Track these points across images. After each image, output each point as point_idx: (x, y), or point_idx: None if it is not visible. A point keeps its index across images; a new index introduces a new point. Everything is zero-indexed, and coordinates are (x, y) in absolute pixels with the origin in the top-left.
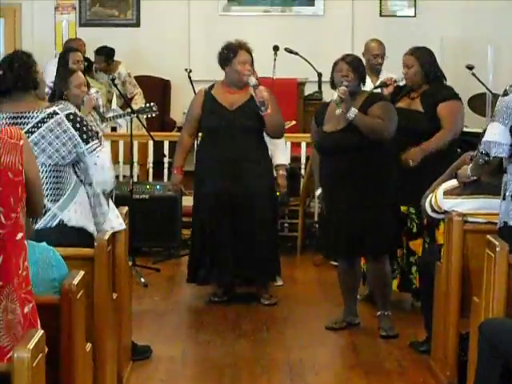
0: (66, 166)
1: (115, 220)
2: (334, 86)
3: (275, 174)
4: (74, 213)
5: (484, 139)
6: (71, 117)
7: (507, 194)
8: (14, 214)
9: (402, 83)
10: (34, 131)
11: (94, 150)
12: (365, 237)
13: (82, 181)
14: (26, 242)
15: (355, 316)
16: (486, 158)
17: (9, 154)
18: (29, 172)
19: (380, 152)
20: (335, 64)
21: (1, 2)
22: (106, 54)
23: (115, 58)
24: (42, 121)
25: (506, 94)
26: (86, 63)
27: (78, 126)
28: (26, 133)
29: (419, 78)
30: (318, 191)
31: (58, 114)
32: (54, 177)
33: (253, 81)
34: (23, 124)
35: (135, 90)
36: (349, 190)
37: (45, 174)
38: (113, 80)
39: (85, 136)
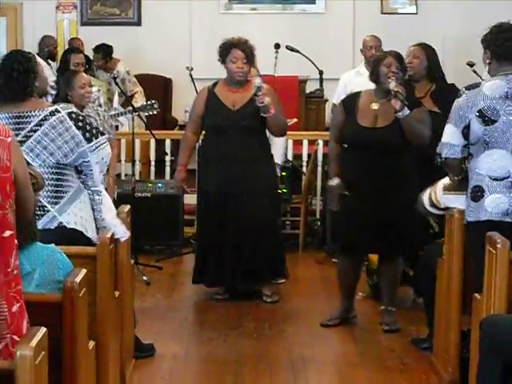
0: (67, 168)
1: (119, 227)
2: (376, 79)
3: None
4: (74, 216)
5: (441, 141)
6: (73, 115)
7: (468, 191)
8: (1, 210)
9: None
10: (37, 129)
11: (97, 148)
12: (390, 237)
13: (86, 186)
14: (15, 241)
15: (351, 311)
16: (439, 159)
17: None
18: (17, 170)
19: (408, 155)
20: (383, 58)
21: (2, 1)
22: (104, 51)
23: (114, 56)
24: (44, 119)
25: (459, 95)
26: (86, 63)
27: (80, 124)
28: (28, 131)
29: (423, 70)
30: (335, 181)
31: (59, 111)
32: (55, 179)
33: (258, 82)
34: (25, 123)
35: (135, 88)
36: (378, 190)
37: (46, 174)
38: (114, 78)
39: (88, 134)
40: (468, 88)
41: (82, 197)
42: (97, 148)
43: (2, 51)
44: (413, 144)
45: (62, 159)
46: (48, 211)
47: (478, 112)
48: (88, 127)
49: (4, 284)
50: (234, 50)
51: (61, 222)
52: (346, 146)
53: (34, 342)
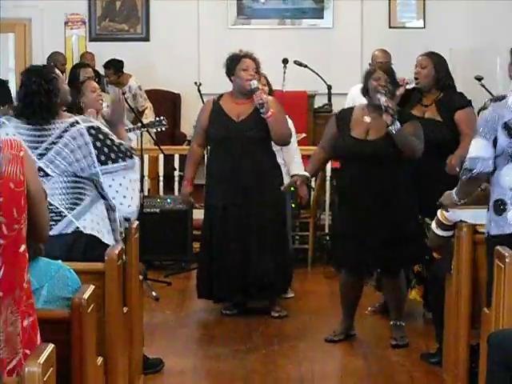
0: (85, 179)
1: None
2: (366, 93)
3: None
4: (91, 221)
5: (469, 155)
6: (92, 131)
7: (490, 204)
8: (17, 225)
9: (410, 86)
10: (58, 142)
11: (111, 172)
12: (387, 252)
13: (103, 196)
14: (27, 255)
15: (352, 328)
16: (470, 174)
17: (10, 164)
18: (30, 184)
19: (404, 166)
20: (372, 72)
21: (11, 16)
22: (115, 66)
23: (125, 71)
24: (65, 130)
25: (485, 107)
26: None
27: (98, 144)
28: (49, 144)
29: (431, 80)
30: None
31: (79, 123)
32: (72, 187)
33: (254, 84)
34: (47, 136)
35: (146, 104)
36: (373, 202)
37: (64, 184)
38: (123, 94)
39: (103, 157)
40: (494, 100)
41: (99, 205)
42: (113, 172)
43: (11, 67)
44: (404, 156)
45: (79, 172)
46: (65, 216)
47: (503, 124)
48: (106, 149)
49: (19, 299)
50: (245, 59)
51: (77, 227)
52: (340, 162)
53: (42, 359)
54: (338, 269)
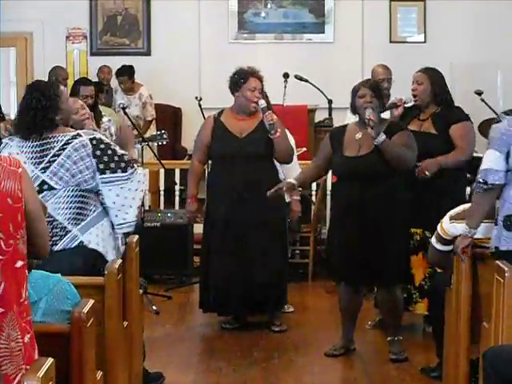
0: (90, 192)
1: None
2: (354, 111)
3: (288, 199)
4: (96, 236)
5: (481, 168)
6: (94, 142)
7: (499, 219)
8: (13, 240)
9: (409, 104)
10: (60, 154)
11: (109, 182)
12: (380, 266)
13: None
14: (26, 272)
15: (352, 342)
16: (485, 187)
17: (8, 179)
18: (28, 201)
19: (395, 180)
20: (357, 89)
21: (12, 30)
22: (128, 72)
23: (136, 81)
24: (67, 142)
25: (499, 120)
26: (98, 91)
27: (98, 153)
28: (52, 156)
29: (428, 96)
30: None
31: (81, 136)
32: (77, 201)
33: (262, 103)
34: (49, 149)
35: (154, 114)
36: (365, 218)
37: (69, 198)
38: (123, 108)
39: (102, 166)
40: (508, 114)
41: (105, 221)
42: (110, 182)
43: (12, 81)
44: (397, 169)
45: (82, 184)
46: (69, 231)
47: None
48: (106, 158)
49: (19, 315)
50: (253, 79)
51: (82, 242)
52: (336, 179)
53: (41, 373)
54: (335, 281)
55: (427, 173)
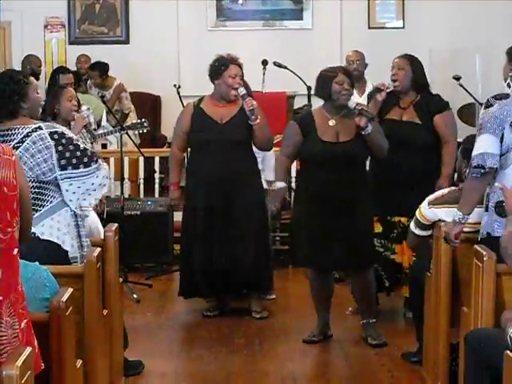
0: (48, 184)
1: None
2: (328, 96)
3: (267, 187)
4: (49, 228)
5: (476, 152)
6: (55, 136)
7: (490, 205)
8: (10, 228)
9: (389, 89)
10: (19, 146)
11: (70, 178)
12: (353, 250)
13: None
14: (19, 258)
15: (328, 327)
16: (483, 171)
17: (3, 168)
18: (21, 189)
19: (365, 167)
20: (334, 75)
21: None
22: (101, 69)
23: (110, 75)
24: (27, 135)
25: (490, 105)
26: (77, 79)
27: (60, 148)
28: (12, 148)
29: (408, 82)
30: (282, 184)
31: (41, 128)
32: (34, 193)
33: (242, 91)
34: (9, 141)
35: (131, 106)
36: (339, 202)
37: None
38: (102, 97)
39: (63, 162)
40: (498, 98)
41: (63, 211)
42: (71, 178)
43: None
44: (374, 156)
45: (40, 176)
46: None
47: (511, 123)
48: (68, 154)
49: (15, 302)
50: (233, 66)
51: (34, 233)
52: (303, 165)
53: (19, 362)
54: (301, 266)
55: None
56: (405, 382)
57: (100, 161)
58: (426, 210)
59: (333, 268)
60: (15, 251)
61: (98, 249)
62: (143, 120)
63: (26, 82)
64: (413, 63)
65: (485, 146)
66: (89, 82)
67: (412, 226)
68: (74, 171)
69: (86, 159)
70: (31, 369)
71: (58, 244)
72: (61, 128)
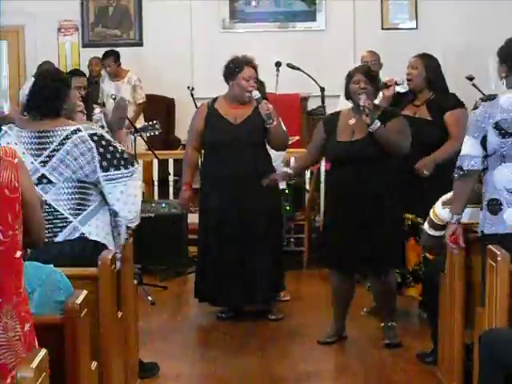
0: (91, 184)
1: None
2: (348, 96)
3: (282, 186)
4: (95, 228)
5: (460, 154)
6: (95, 138)
7: (484, 203)
8: (12, 231)
9: (402, 90)
10: (60, 148)
11: (113, 179)
12: (373, 252)
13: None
14: (23, 262)
15: (344, 329)
16: (461, 172)
17: (5, 170)
18: (25, 191)
19: (388, 165)
20: (352, 75)
21: (4, 23)
22: (114, 55)
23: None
24: (66, 137)
25: (476, 107)
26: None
27: (101, 150)
28: (51, 151)
29: (422, 82)
30: (285, 168)
31: (80, 130)
32: (78, 193)
33: (256, 94)
34: (48, 143)
35: (144, 97)
36: (358, 203)
37: (69, 189)
38: (114, 99)
39: (105, 163)
40: (484, 100)
41: (104, 210)
42: (114, 180)
43: (4, 75)
44: (389, 153)
45: (83, 178)
46: (70, 222)
47: (494, 124)
48: (109, 155)
49: (17, 305)
50: (248, 68)
51: (83, 233)
52: (329, 165)
53: (34, 364)
54: (327, 268)
55: (426, 172)
56: (419, 383)
57: (136, 163)
58: (440, 210)
59: (351, 269)
60: (18, 254)
61: (113, 251)
62: (155, 122)
63: (68, 85)
64: (426, 62)
65: (464, 148)
66: (103, 71)
67: (426, 226)
68: (116, 172)
69: (125, 161)
70: (46, 371)
71: (104, 244)
72: (98, 129)
